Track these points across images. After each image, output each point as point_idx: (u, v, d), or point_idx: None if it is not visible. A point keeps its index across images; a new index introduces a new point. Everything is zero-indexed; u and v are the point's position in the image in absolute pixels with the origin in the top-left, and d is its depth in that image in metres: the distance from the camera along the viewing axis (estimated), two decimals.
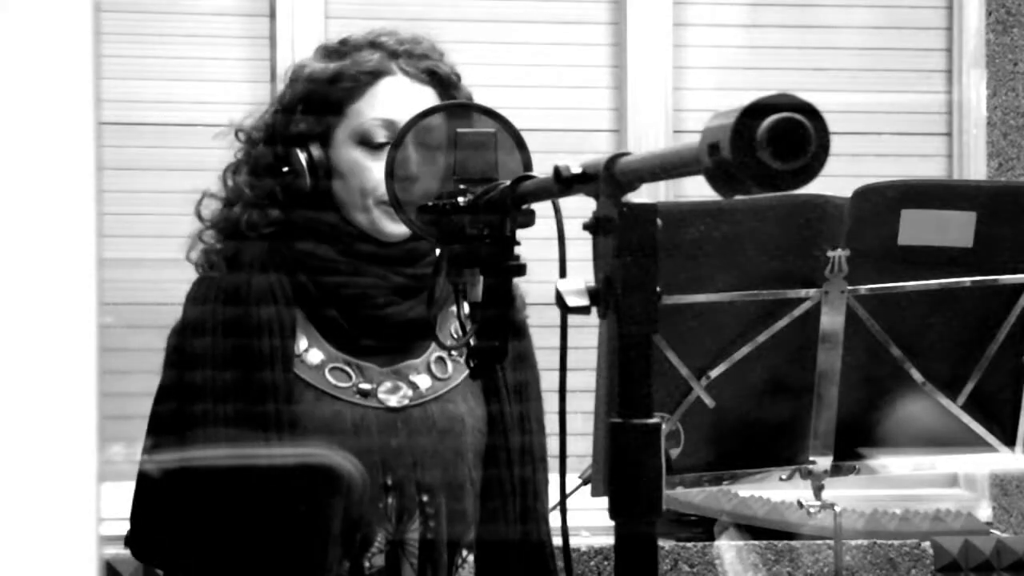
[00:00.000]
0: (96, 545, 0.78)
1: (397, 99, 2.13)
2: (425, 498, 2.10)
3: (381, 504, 2.08)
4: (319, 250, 2.11)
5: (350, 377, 2.11)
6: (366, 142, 2.12)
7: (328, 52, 2.18)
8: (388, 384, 2.12)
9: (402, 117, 2.07)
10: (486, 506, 2.16)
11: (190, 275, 2.19)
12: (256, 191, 2.14)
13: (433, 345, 2.15)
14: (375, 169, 2.09)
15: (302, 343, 2.11)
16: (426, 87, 2.15)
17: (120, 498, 3.07)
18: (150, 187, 3.29)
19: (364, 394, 2.11)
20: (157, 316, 3.23)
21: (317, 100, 2.14)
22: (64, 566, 0.77)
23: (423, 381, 2.14)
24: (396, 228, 2.07)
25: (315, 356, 2.11)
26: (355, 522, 2.06)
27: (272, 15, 3.37)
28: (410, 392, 2.13)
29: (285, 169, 2.13)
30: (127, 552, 2.17)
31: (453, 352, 2.15)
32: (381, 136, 2.11)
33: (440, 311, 2.12)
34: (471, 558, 2.16)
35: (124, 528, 2.95)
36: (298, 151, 2.12)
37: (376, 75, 2.13)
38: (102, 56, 0.79)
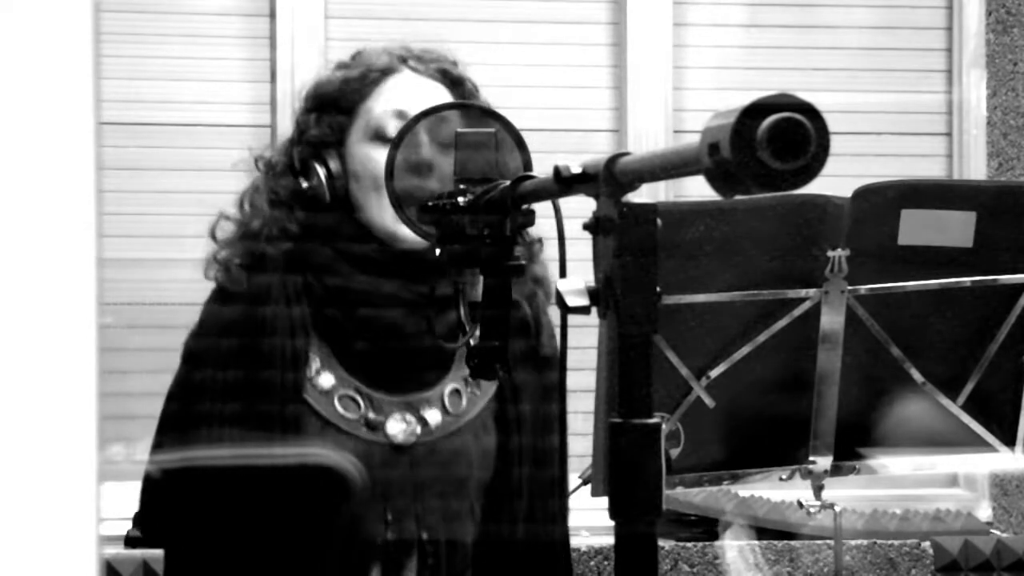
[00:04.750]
0: (96, 545, 0.78)
1: (407, 92, 2.08)
2: (425, 535, 2.06)
3: (380, 539, 2.04)
4: (335, 263, 2.05)
5: (359, 407, 2.06)
6: (379, 136, 2.05)
7: (339, 65, 2.15)
8: (397, 416, 2.06)
9: (413, 108, 2.02)
10: (487, 528, 2.10)
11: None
12: (275, 207, 2.07)
13: (449, 376, 2.08)
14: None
15: (315, 365, 2.06)
16: (438, 84, 2.11)
17: (120, 498, 3.08)
18: (150, 187, 3.29)
19: (372, 427, 2.05)
20: (157, 316, 3.25)
21: (328, 106, 2.09)
22: (64, 566, 0.77)
23: (433, 416, 2.08)
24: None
25: (327, 380, 2.05)
26: (351, 554, 2.03)
27: (272, 15, 3.36)
28: (418, 428, 2.07)
29: (304, 185, 2.07)
30: (127, 552, 2.17)
31: (470, 384, 2.09)
32: (392, 128, 2.03)
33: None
34: None
35: (124, 528, 2.96)
36: (314, 162, 2.07)
37: (385, 72, 2.09)
38: (102, 56, 0.79)
